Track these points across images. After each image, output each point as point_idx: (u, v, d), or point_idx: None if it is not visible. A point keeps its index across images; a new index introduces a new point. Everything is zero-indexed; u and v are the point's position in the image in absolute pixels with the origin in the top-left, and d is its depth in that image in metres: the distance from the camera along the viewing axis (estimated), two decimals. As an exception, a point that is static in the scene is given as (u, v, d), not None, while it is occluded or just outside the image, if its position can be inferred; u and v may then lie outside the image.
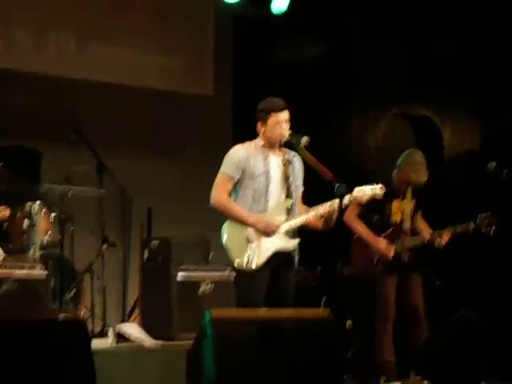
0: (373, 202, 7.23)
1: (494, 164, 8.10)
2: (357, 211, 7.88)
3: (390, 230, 8.11)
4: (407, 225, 8.21)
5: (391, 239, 8.08)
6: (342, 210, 6.69)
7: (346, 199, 6.65)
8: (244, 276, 6.64)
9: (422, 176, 8.11)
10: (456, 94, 11.54)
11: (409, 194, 8.25)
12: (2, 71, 8.85)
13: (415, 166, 8.13)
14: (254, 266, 6.59)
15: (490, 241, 8.38)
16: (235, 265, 6.65)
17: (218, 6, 10.07)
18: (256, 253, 6.60)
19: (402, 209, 8.22)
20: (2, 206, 7.23)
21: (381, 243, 8.04)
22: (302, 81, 10.26)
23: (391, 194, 8.10)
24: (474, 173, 9.68)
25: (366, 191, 6.80)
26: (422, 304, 8.15)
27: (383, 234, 8.05)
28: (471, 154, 11.73)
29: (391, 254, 8.02)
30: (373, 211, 7.96)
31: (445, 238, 7.99)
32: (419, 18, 10.27)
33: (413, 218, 8.26)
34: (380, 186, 6.88)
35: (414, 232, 8.20)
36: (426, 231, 8.17)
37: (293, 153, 6.85)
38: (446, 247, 8.03)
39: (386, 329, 8.03)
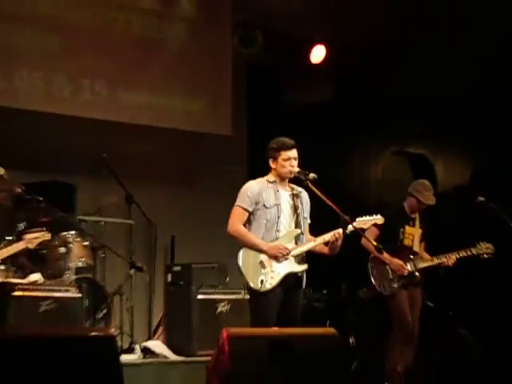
0: (386, 227, 7.36)
1: (481, 198, 8.20)
2: (374, 236, 7.90)
3: (403, 252, 8.17)
4: (416, 249, 8.26)
5: (403, 260, 8.13)
6: (346, 237, 6.74)
7: (349, 228, 6.71)
8: (257, 297, 6.65)
9: (430, 199, 8.25)
10: (448, 135, 11.63)
11: (417, 222, 8.32)
12: (43, 114, 8.88)
13: (424, 192, 8.25)
14: (266, 288, 6.62)
15: (481, 266, 8.41)
16: (250, 287, 6.69)
17: (235, 55, 10.13)
18: (269, 276, 6.62)
19: (412, 233, 8.28)
20: (44, 231, 7.23)
21: (397, 261, 8.09)
22: (309, 122, 10.29)
23: (404, 219, 8.20)
24: (463, 205, 9.70)
25: (366, 221, 6.86)
26: (418, 323, 8.17)
27: (396, 255, 8.12)
28: (461, 188, 11.76)
29: (405, 271, 8.07)
30: (386, 235, 8.03)
31: (451, 259, 8.06)
32: (418, 68, 10.32)
33: (419, 245, 8.30)
34: (379, 216, 6.94)
35: (421, 257, 8.25)
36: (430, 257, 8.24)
37: (300, 188, 6.89)
38: (449, 269, 8.10)
39: (403, 340, 8.03)
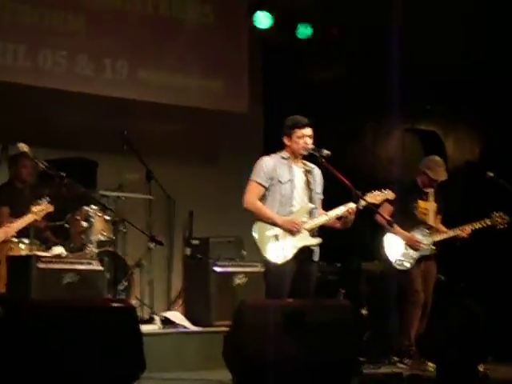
0: (400, 203, 7.43)
1: (490, 173, 8.18)
2: (388, 212, 7.89)
3: (418, 226, 8.17)
4: (431, 222, 8.26)
5: (418, 234, 8.14)
6: (358, 212, 6.76)
7: (361, 203, 6.73)
8: (272, 269, 6.68)
9: (442, 175, 8.22)
10: (458, 112, 11.55)
11: (431, 197, 8.30)
12: (65, 93, 8.91)
13: (436, 168, 8.21)
14: (281, 261, 6.64)
15: (491, 240, 8.41)
16: (265, 260, 6.72)
17: (250, 34, 10.12)
18: (283, 249, 6.65)
19: (426, 207, 8.27)
20: (48, 203, 7.29)
21: (411, 236, 8.09)
22: (322, 99, 10.27)
23: (417, 194, 8.20)
24: (474, 180, 9.68)
25: (376, 196, 6.88)
26: (431, 297, 8.18)
27: (411, 230, 8.12)
28: (471, 164, 11.72)
29: (421, 246, 8.07)
30: (400, 210, 8.04)
31: (466, 231, 8.05)
32: (428, 45, 10.27)
33: (435, 219, 8.30)
34: (390, 191, 6.96)
35: (436, 230, 8.25)
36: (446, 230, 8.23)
37: (312, 165, 6.90)
38: (464, 240, 8.10)
39: (416, 314, 8.03)
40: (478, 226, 8.07)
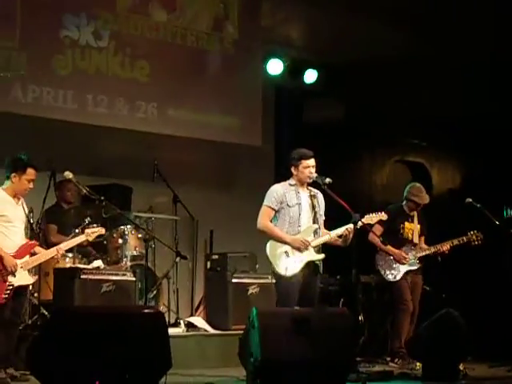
0: (389, 224, 7.51)
1: (469, 200, 8.17)
2: (379, 232, 7.91)
3: (404, 244, 8.16)
4: (416, 241, 8.24)
5: (405, 251, 8.12)
6: (356, 231, 6.76)
7: (359, 224, 6.73)
8: (282, 281, 6.67)
9: (426, 199, 8.22)
10: (442, 146, 11.60)
11: (415, 219, 8.28)
12: (105, 129, 8.96)
13: (419, 194, 8.20)
14: (290, 274, 6.64)
15: (469, 256, 8.38)
16: (276, 272, 6.72)
17: (264, 78, 10.15)
18: (292, 264, 6.65)
19: (412, 228, 8.25)
20: (101, 227, 7.28)
21: (399, 252, 8.07)
22: (325, 136, 10.29)
23: (404, 217, 8.19)
24: (455, 205, 9.66)
25: (373, 217, 6.89)
26: (418, 306, 8.14)
27: (398, 247, 8.11)
28: (453, 191, 11.73)
29: (407, 260, 8.06)
30: (389, 231, 8.03)
31: (445, 246, 8.03)
32: (415, 91, 10.32)
33: (419, 239, 8.28)
34: (383, 213, 6.97)
35: (420, 247, 8.23)
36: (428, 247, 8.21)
37: (316, 190, 6.92)
38: (445, 256, 8.09)
39: (406, 320, 8.00)
40: (455, 242, 8.08)
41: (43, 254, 6.71)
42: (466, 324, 7.04)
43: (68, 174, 7.36)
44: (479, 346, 7.20)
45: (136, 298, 7.79)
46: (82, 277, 7.38)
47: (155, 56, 9.25)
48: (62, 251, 6.86)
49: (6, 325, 6.39)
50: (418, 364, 7.39)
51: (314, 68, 10.55)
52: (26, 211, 6.72)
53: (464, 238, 8.07)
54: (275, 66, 10.32)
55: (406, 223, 8.23)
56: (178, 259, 8.39)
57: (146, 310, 5.93)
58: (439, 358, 6.68)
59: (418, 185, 8.36)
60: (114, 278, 7.66)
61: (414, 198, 8.20)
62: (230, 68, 9.80)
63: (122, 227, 8.24)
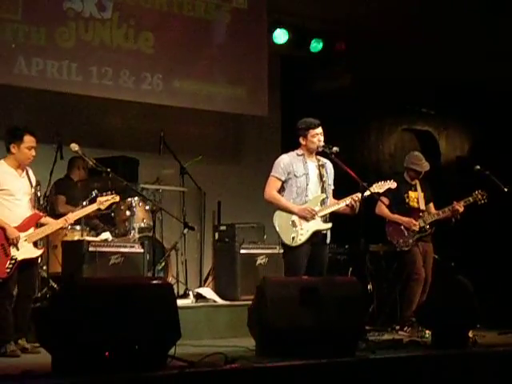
0: (394, 195, 7.49)
1: (478, 167, 8.13)
2: (385, 204, 7.91)
3: (413, 212, 8.14)
4: (422, 207, 8.21)
5: (414, 218, 8.10)
6: (364, 200, 6.74)
7: (367, 193, 6.72)
8: (290, 251, 6.70)
9: (426, 166, 8.20)
10: (450, 114, 11.55)
11: (418, 187, 8.26)
12: (110, 101, 8.92)
13: (418, 161, 8.19)
14: (297, 243, 6.65)
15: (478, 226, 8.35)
16: (284, 243, 6.72)
17: (269, 48, 10.08)
18: (299, 233, 6.66)
19: (416, 196, 8.23)
20: (114, 195, 7.21)
21: (408, 219, 8.05)
22: (332, 105, 10.24)
23: (407, 186, 8.16)
24: (463, 172, 9.63)
25: (381, 186, 6.87)
26: (431, 274, 8.13)
27: (407, 215, 8.10)
28: (461, 158, 11.70)
29: (417, 226, 8.03)
30: (395, 201, 8.02)
31: (458, 206, 8.02)
32: (422, 58, 10.25)
33: (426, 205, 8.24)
34: (392, 181, 6.95)
35: (428, 213, 8.20)
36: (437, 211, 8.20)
37: (325, 159, 6.90)
38: (458, 219, 8.09)
39: (418, 289, 7.99)
40: (462, 203, 8.03)
41: (50, 225, 6.64)
42: (475, 291, 7.03)
43: (74, 147, 7.32)
44: (489, 314, 7.20)
45: (144, 269, 7.81)
46: (90, 249, 7.39)
47: (160, 27, 9.18)
48: (70, 221, 6.81)
49: (11, 298, 6.35)
50: (427, 332, 7.39)
51: (319, 37, 10.45)
52: (34, 182, 6.63)
53: (470, 198, 8.05)
54: (281, 36, 10.23)
55: (410, 192, 8.21)
56: (185, 230, 8.39)
57: (154, 282, 5.92)
58: (449, 326, 6.67)
59: (416, 153, 8.37)
60: (122, 250, 7.67)
61: (413, 167, 8.18)
62: (234, 38, 9.72)
63: (130, 199, 8.22)
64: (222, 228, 8.91)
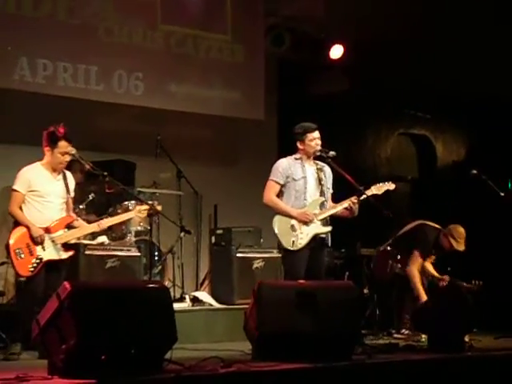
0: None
1: (474, 171, 8.12)
2: (418, 266, 7.88)
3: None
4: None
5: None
6: (360, 204, 6.74)
7: (364, 196, 6.72)
8: (289, 255, 6.70)
9: (462, 246, 7.95)
10: (446, 119, 11.57)
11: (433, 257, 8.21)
12: (107, 104, 8.92)
13: (460, 239, 7.93)
14: (297, 247, 6.65)
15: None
16: (284, 247, 6.71)
17: (266, 51, 10.09)
18: (299, 237, 6.66)
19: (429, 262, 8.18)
20: (155, 204, 7.19)
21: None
22: (329, 109, 10.25)
23: (435, 249, 8.08)
24: (459, 177, 9.63)
25: (380, 187, 6.86)
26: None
27: None
28: (458, 163, 11.71)
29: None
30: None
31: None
32: (420, 62, 10.27)
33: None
34: (390, 182, 6.94)
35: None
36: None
37: (323, 163, 6.90)
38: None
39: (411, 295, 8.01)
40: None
41: (81, 228, 6.67)
42: (471, 295, 7.04)
43: (71, 150, 7.30)
44: (485, 318, 7.20)
45: (141, 273, 7.81)
46: (86, 252, 7.39)
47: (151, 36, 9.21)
48: (103, 226, 6.82)
49: (35, 300, 6.27)
50: (423, 336, 7.39)
51: (317, 41, 10.46)
52: (72, 186, 6.66)
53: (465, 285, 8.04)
54: (278, 40, 10.22)
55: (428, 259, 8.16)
56: (182, 234, 8.39)
57: (150, 285, 5.92)
58: (445, 330, 6.67)
59: (462, 229, 7.98)
60: (119, 253, 7.67)
61: (452, 241, 7.91)
62: (231, 42, 9.73)
63: (126, 203, 8.20)
64: (219, 232, 8.91)
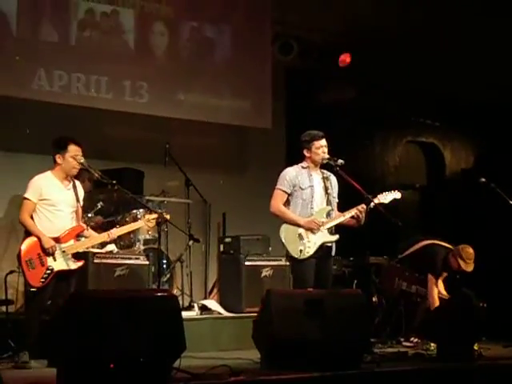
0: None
1: (483, 179, 8.09)
2: (436, 283, 7.83)
3: None
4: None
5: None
6: (368, 212, 6.73)
7: (372, 204, 6.71)
8: (297, 264, 6.69)
9: (470, 267, 7.85)
10: (455, 127, 11.54)
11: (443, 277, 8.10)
12: (116, 113, 8.95)
13: (468, 260, 7.82)
14: (305, 256, 6.64)
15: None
16: (291, 255, 6.71)
17: (274, 60, 10.10)
18: (307, 246, 6.65)
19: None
20: (164, 213, 7.20)
21: None
22: (337, 117, 10.25)
23: (444, 269, 8.00)
24: (468, 185, 9.61)
25: (386, 197, 6.86)
26: None
27: None
28: (466, 171, 11.68)
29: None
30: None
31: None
32: (429, 71, 10.27)
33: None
34: (396, 191, 6.92)
35: None
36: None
37: (329, 173, 6.91)
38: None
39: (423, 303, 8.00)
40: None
41: (91, 238, 6.68)
42: (480, 304, 7.02)
43: (80, 159, 7.33)
44: (494, 326, 7.18)
45: (149, 281, 7.80)
46: (95, 261, 7.39)
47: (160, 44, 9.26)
48: (113, 236, 6.81)
49: (42, 310, 6.34)
50: (432, 345, 7.37)
51: (324, 49, 10.47)
52: (81, 195, 6.67)
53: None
54: (286, 48, 10.24)
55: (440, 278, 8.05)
56: (190, 242, 8.39)
57: (159, 294, 5.92)
58: (454, 339, 6.66)
59: (471, 250, 7.87)
60: (128, 261, 7.68)
61: (461, 262, 7.81)
62: (239, 51, 9.75)
63: (135, 211, 8.21)
64: (227, 240, 8.91)
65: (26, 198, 6.46)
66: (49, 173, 6.56)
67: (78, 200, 6.63)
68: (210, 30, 9.59)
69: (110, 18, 8.89)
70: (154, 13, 9.20)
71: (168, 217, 7.27)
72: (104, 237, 6.76)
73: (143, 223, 7.06)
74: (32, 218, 6.44)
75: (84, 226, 6.77)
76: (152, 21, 9.19)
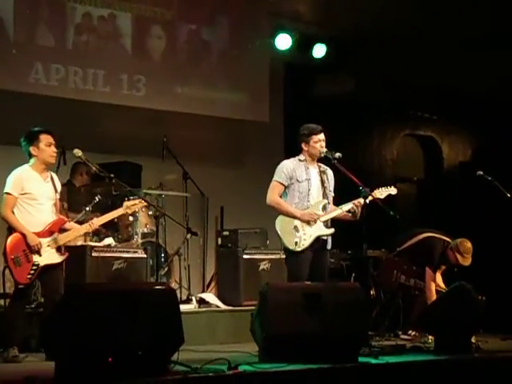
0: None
1: (480, 172, 8.10)
2: (433, 279, 7.85)
3: None
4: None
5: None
6: (366, 205, 6.73)
7: (368, 198, 6.71)
8: (292, 256, 6.69)
9: (468, 262, 7.87)
10: (452, 120, 11.55)
11: (442, 269, 8.12)
12: (113, 106, 8.95)
13: (466, 254, 7.83)
14: (300, 248, 6.64)
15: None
16: (287, 248, 6.72)
17: (272, 53, 10.11)
18: (302, 238, 6.65)
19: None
20: (140, 199, 7.18)
21: None
22: (335, 110, 10.25)
23: (442, 263, 8.01)
24: (466, 178, 9.62)
25: (383, 191, 6.87)
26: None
27: None
28: (464, 164, 11.69)
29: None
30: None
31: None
32: (427, 64, 10.27)
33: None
34: (392, 187, 6.93)
35: None
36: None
37: (325, 166, 6.91)
38: None
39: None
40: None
41: (74, 230, 6.63)
42: (479, 297, 7.03)
43: (77, 152, 7.29)
44: (492, 319, 7.19)
45: (147, 274, 7.81)
46: (93, 254, 7.40)
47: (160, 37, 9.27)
48: (94, 226, 6.78)
49: (29, 304, 6.39)
50: (430, 337, 7.39)
51: (322, 42, 10.47)
52: (58, 187, 6.62)
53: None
54: (283, 41, 10.24)
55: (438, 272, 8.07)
56: (188, 236, 8.39)
57: (157, 287, 5.93)
58: (452, 332, 6.67)
59: (470, 244, 7.87)
60: (125, 255, 7.68)
61: (458, 256, 7.82)
62: (236, 45, 9.75)
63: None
64: (225, 233, 8.91)
65: (7, 193, 6.37)
66: (26, 166, 6.47)
67: (56, 191, 6.58)
68: (207, 33, 9.59)
69: (107, 22, 8.89)
70: (151, 16, 9.21)
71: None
72: (86, 227, 6.71)
73: (123, 211, 7.00)
74: (13, 213, 6.36)
75: (65, 218, 6.73)
76: (149, 24, 9.20)
